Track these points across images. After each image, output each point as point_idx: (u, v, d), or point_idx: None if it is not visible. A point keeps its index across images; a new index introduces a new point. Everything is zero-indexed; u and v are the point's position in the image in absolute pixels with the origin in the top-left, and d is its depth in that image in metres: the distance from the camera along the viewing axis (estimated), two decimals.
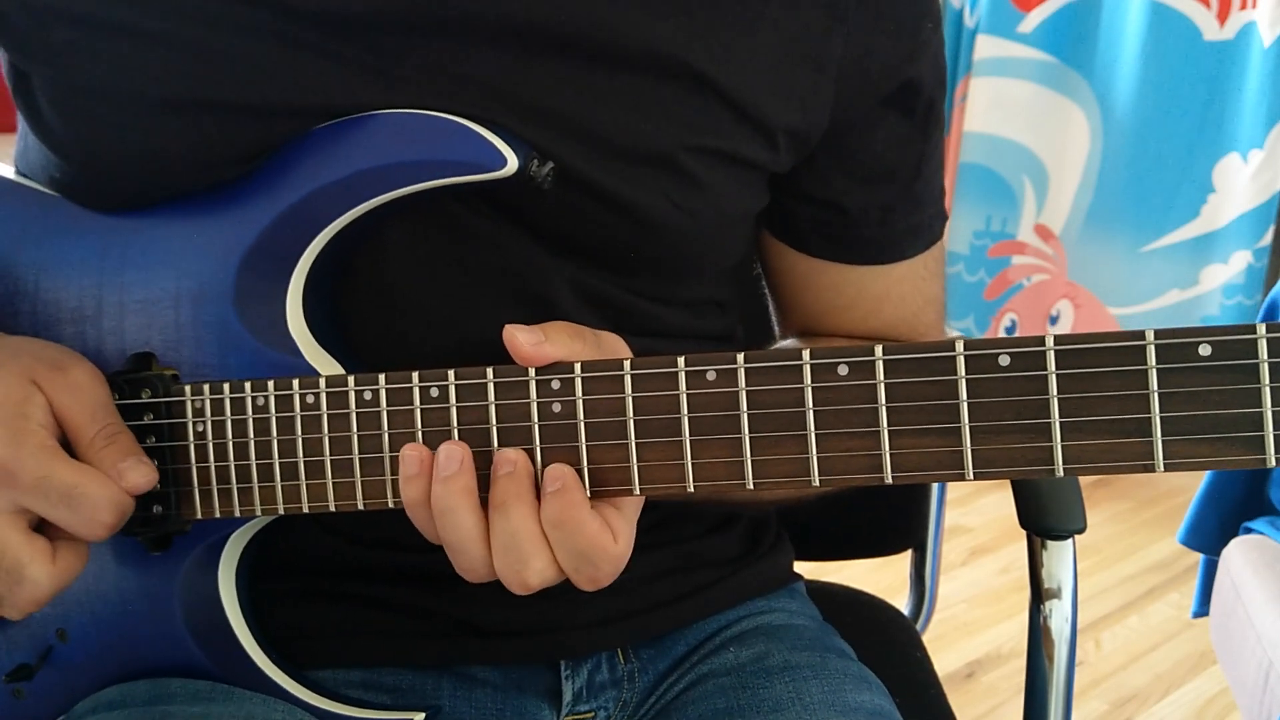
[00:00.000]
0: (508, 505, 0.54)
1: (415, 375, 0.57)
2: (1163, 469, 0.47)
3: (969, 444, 0.50)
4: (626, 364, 0.54)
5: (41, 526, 0.59)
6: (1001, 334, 3.03)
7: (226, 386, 0.61)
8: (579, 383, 0.55)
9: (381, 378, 0.58)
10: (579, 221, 0.64)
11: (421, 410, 0.57)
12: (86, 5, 0.61)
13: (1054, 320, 2.96)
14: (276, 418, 0.60)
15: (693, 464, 0.54)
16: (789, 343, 0.80)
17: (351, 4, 0.60)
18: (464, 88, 0.61)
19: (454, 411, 0.57)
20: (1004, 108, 2.91)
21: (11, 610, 0.60)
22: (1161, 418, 0.47)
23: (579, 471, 0.55)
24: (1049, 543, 0.84)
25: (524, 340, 0.55)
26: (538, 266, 0.65)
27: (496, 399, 0.56)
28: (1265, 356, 0.46)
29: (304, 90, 0.60)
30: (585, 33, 0.61)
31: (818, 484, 0.52)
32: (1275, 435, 0.46)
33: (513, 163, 0.58)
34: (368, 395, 0.58)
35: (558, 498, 0.54)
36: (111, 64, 0.61)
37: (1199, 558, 1.55)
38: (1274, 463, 0.46)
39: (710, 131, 0.64)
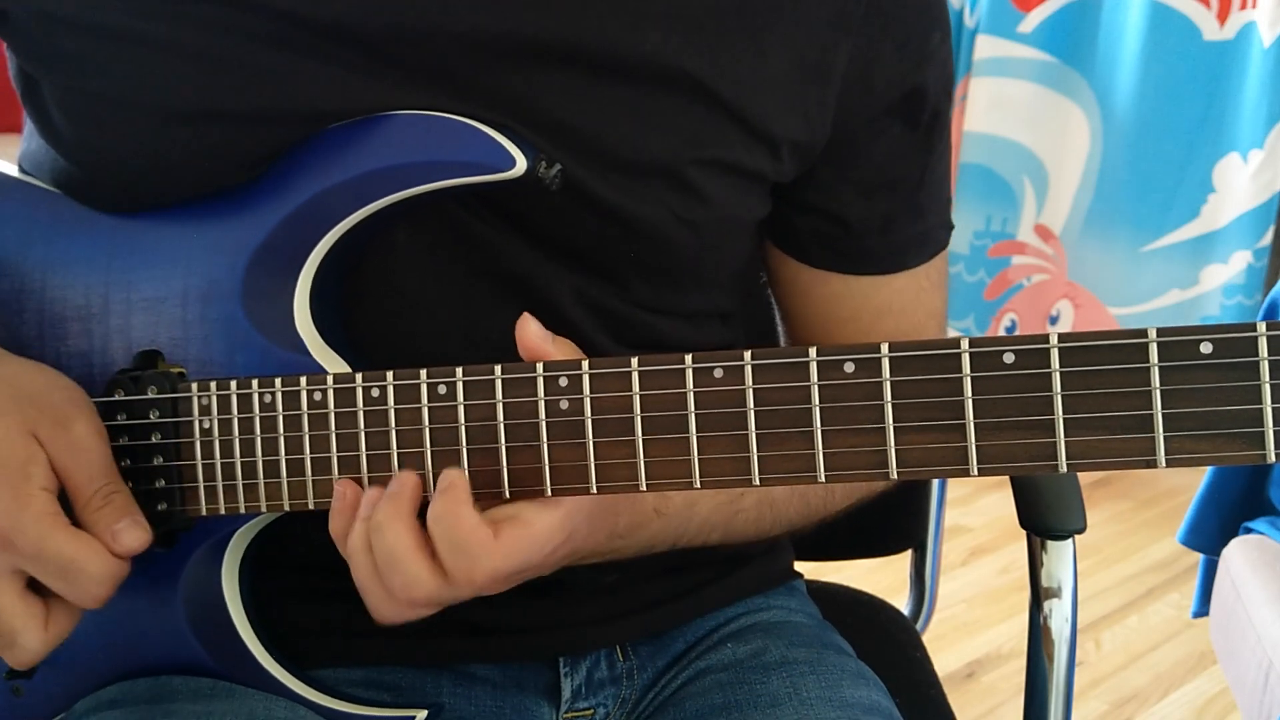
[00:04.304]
0: (383, 526, 0.55)
1: (423, 373, 0.57)
2: (1164, 465, 0.47)
3: (973, 440, 0.50)
4: (634, 361, 0.55)
5: (36, 583, 0.60)
6: (1002, 334, 3.03)
7: (233, 384, 0.61)
8: (586, 380, 0.55)
9: (389, 375, 0.58)
10: (581, 231, 0.64)
11: (429, 408, 0.57)
12: (95, 14, 0.61)
13: (1054, 320, 2.96)
14: (283, 415, 0.60)
15: (699, 460, 0.54)
16: None
17: (356, 14, 0.60)
18: (469, 97, 0.61)
19: (461, 409, 0.57)
20: (1004, 108, 2.91)
21: None
22: (1163, 414, 0.47)
23: (584, 468, 0.55)
24: (1049, 543, 0.84)
25: (534, 331, 0.56)
26: (541, 274, 0.65)
27: (504, 396, 0.56)
28: (1265, 354, 0.46)
29: (311, 97, 0.61)
30: (590, 45, 0.61)
31: (823, 480, 0.52)
32: (1275, 431, 0.46)
33: (521, 164, 0.58)
34: (375, 393, 0.58)
35: (443, 495, 0.55)
36: (120, 73, 0.61)
37: (1199, 558, 1.55)
38: (1274, 459, 0.46)
39: (714, 143, 0.64)
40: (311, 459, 0.60)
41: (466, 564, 0.55)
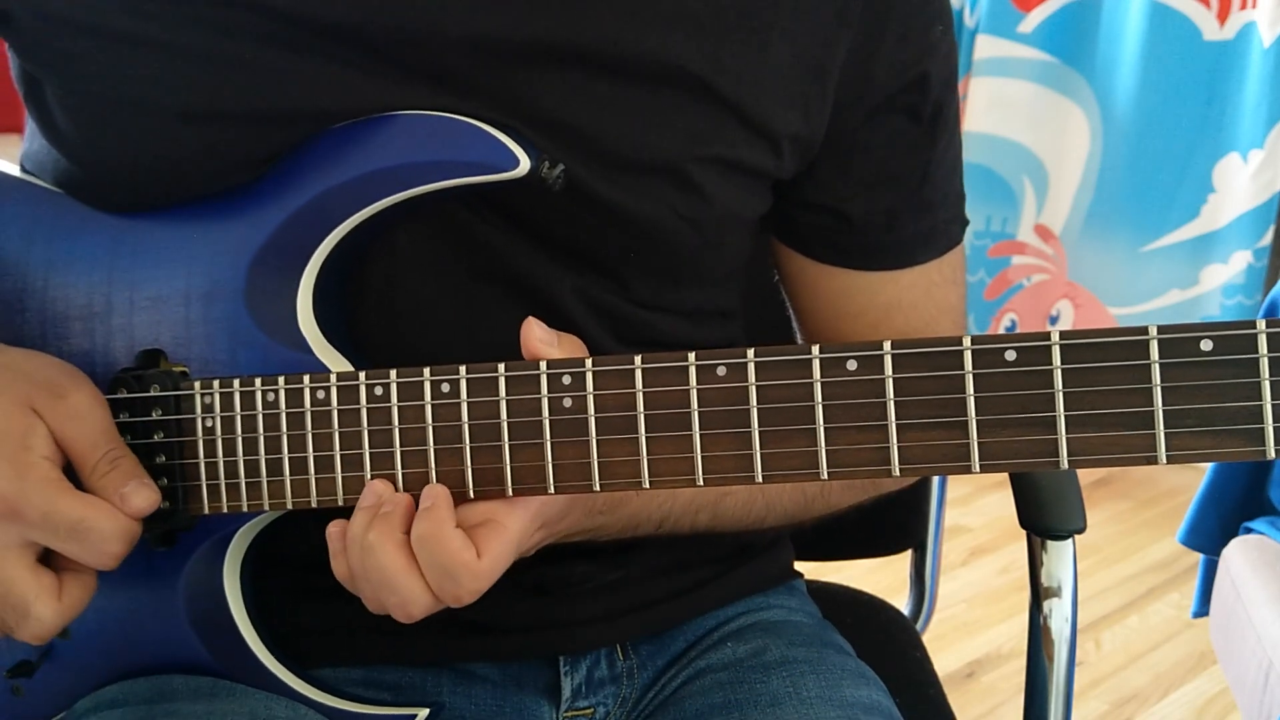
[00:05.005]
0: (374, 547, 0.56)
1: (426, 370, 0.57)
2: (1165, 462, 0.48)
3: (975, 437, 0.50)
4: (637, 359, 0.55)
5: (49, 555, 0.60)
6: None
7: (236, 382, 0.61)
8: (589, 377, 0.55)
9: (393, 373, 0.58)
10: (582, 230, 0.64)
11: (432, 406, 0.57)
12: (97, 15, 0.61)
13: (1054, 320, 2.96)
14: (286, 413, 0.60)
15: (702, 458, 0.54)
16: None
17: (358, 14, 0.60)
18: (471, 97, 0.61)
19: (464, 407, 0.57)
20: (1004, 108, 2.92)
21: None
22: (1164, 411, 0.48)
23: (587, 466, 0.56)
24: (1049, 543, 0.84)
25: (538, 335, 0.56)
26: (543, 273, 0.65)
27: (507, 394, 0.56)
28: (1265, 351, 0.46)
29: (313, 97, 0.61)
30: (591, 44, 0.61)
31: (826, 477, 0.52)
32: (1275, 428, 0.47)
33: (524, 163, 0.59)
34: (378, 391, 0.58)
35: (427, 514, 0.55)
36: (122, 74, 0.61)
37: (1199, 558, 1.56)
38: (1273, 455, 0.47)
39: (716, 141, 0.65)
40: (314, 457, 0.60)
41: (453, 587, 0.56)
